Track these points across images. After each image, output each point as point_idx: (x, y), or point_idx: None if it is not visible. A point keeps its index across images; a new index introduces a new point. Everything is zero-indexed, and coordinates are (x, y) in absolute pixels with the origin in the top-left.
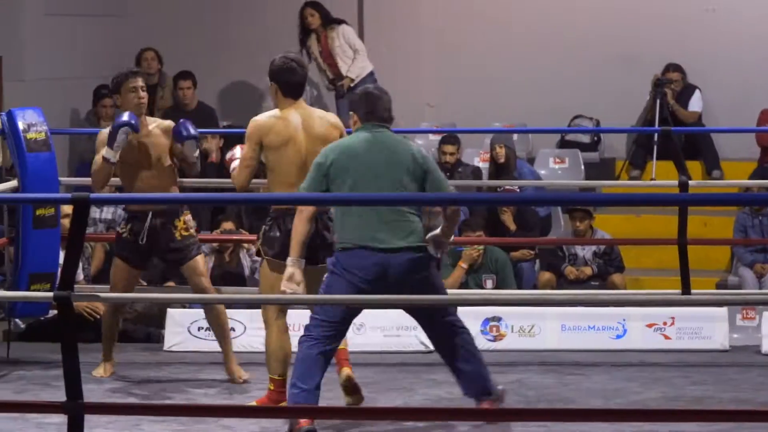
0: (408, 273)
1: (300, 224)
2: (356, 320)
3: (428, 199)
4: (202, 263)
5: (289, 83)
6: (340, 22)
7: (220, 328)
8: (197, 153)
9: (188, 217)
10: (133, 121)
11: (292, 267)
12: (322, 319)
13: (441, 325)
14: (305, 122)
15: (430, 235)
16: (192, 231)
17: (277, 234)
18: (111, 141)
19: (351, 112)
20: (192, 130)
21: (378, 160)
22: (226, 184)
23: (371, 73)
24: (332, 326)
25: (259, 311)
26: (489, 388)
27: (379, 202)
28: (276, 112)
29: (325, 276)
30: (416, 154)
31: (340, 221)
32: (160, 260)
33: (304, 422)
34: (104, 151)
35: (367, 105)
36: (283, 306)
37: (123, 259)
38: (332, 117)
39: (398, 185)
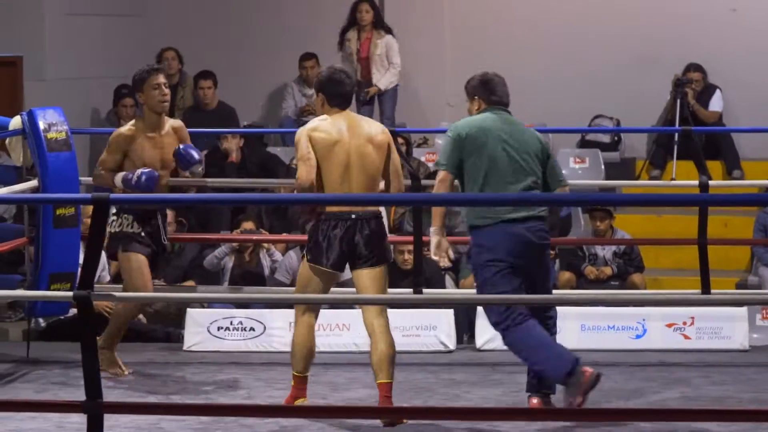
0: (542, 240)
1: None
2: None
3: (446, 199)
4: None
5: (336, 94)
6: (389, 30)
7: None
8: (202, 168)
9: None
10: (152, 186)
11: (436, 236)
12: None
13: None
14: (351, 125)
15: None
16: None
17: (320, 240)
18: (127, 185)
19: (474, 96)
20: (196, 156)
21: (510, 137)
22: (246, 184)
23: (396, 87)
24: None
25: (278, 311)
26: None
27: (383, 202)
28: (324, 116)
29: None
30: (540, 137)
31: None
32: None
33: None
34: (117, 179)
35: (490, 89)
36: (314, 305)
37: (141, 254)
38: (379, 124)
39: (530, 161)
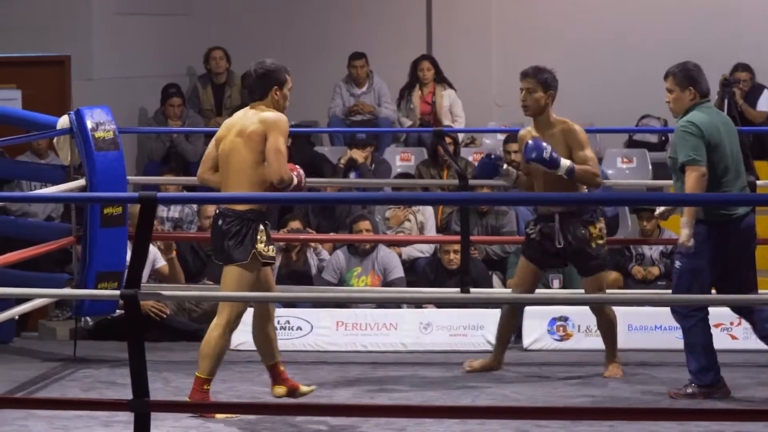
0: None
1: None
2: (422, 319)
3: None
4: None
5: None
6: (450, 84)
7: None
8: None
9: (602, 224)
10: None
11: (687, 228)
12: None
13: None
14: (234, 120)
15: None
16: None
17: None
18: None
19: (689, 87)
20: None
21: (730, 133)
22: None
23: None
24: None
25: (325, 311)
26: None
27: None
28: None
29: (678, 262)
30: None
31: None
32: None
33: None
34: None
35: (704, 81)
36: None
37: (529, 258)
38: (264, 114)
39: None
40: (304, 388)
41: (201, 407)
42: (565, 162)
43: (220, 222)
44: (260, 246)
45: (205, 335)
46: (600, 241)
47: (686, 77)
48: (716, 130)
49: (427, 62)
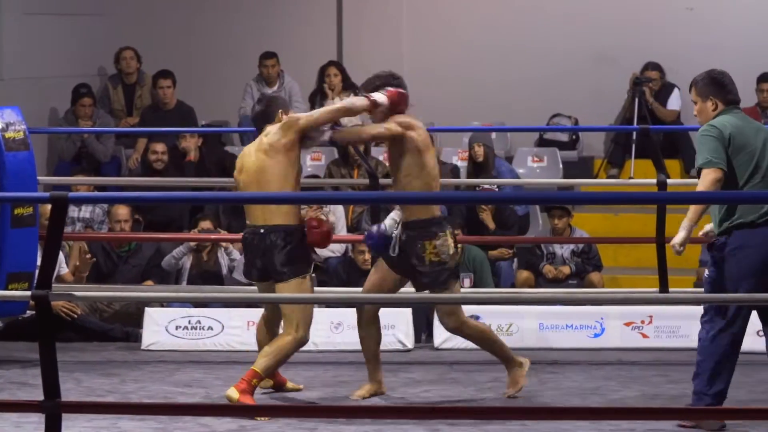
0: None
1: (711, 187)
2: (333, 319)
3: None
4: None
5: None
6: (356, 92)
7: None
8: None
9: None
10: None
11: (686, 231)
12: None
13: None
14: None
15: None
16: (443, 257)
17: None
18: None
19: (711, 96)
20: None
21: (759, 138)
22: (204, 183)
23: None
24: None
25: (236, 310)
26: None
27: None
28: None
29: (712, 265)
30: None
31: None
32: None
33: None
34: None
35: (729, 89)
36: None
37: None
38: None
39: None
40: (290, 385)
41: (111, 408)
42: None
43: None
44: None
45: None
46: (434, 259)
47: (707, 86)
48: (740, 133)
49: (334, 68)
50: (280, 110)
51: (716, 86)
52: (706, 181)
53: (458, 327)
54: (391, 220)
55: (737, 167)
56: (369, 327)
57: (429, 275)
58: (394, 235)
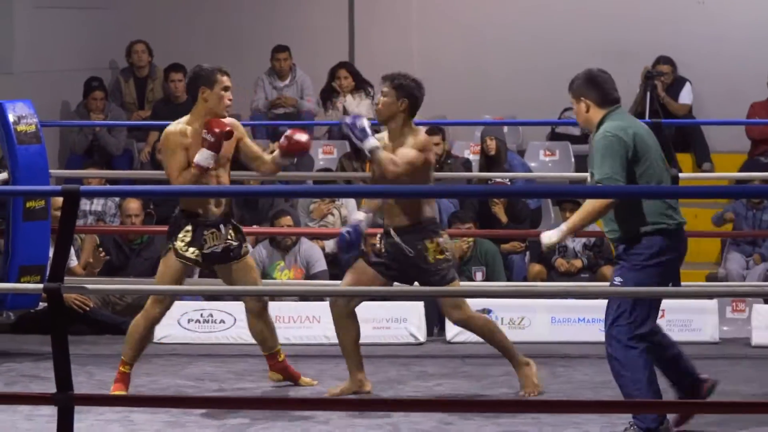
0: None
1: (602, 208)
2: None
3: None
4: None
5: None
6: (367, 92)
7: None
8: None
9: (443, 238)
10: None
11: (559, 240)
12: (639, 320)
13: None
14: None
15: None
16: (447, 255)
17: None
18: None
19: (582, 97)
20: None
21: (652, 138)
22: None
23: None
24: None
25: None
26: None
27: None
28: None
29: (622, 274)
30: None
31: (644, 203)
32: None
33: None
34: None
35: (604, 88)
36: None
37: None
38: None
39: (664, 164)
40: (305, 380)
41: (123, 401)
42: (372, 141)
43: None
44: (179, 243)
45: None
46: (439, 256)
47: (579, 86)
48: (641, 138)
49: (344, 70)
50: (202, 86)
51: (589, 86)
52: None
53: (464, 320)
54: (364, 220)
55: (641, 176)
56: (342, 324)
57: (437, 273)
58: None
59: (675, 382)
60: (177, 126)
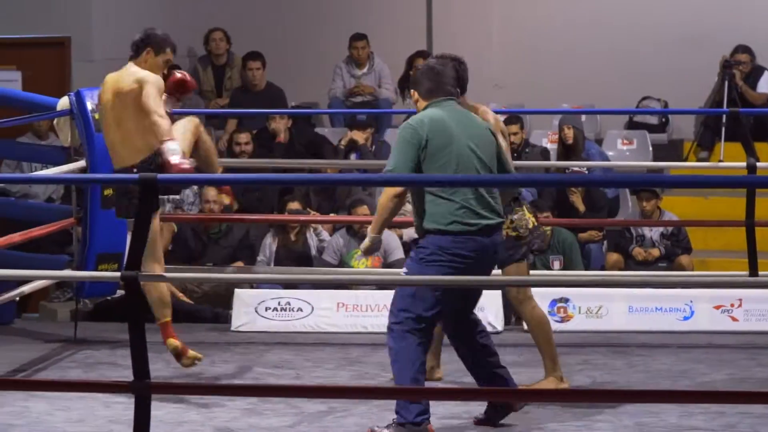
0: (498, 256)
1: (386, 201)
2: None
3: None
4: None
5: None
6: None
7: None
8: None
9: (518, 215)
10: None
11: (371, 242)
12: (418, 313)
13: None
14: None
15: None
16: (521, 232)
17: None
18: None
19: (412, 88)
20: None
21: (470, 136)
22: (294, 164)
23: None
24: (429, 319)
25: (326, 292)
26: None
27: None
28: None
29: (407, 265)
30: (489, 127)
31: (432, 202)
32: None
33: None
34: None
35: (432, 82)
36: None
37: None
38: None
39: (491, 158)
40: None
41: (200, 389)
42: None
43: None
44: None
45: None
46: (512, 234)
47: (413, 78)
48: (441, 131)
49: (422, 59)
50: (148, 48)
51: (421, 78)
52: (386, 193)
53: (521, 301)
54: None
55: (437, 170)
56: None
57: (507, 250)
58: None
59: (478, 377)
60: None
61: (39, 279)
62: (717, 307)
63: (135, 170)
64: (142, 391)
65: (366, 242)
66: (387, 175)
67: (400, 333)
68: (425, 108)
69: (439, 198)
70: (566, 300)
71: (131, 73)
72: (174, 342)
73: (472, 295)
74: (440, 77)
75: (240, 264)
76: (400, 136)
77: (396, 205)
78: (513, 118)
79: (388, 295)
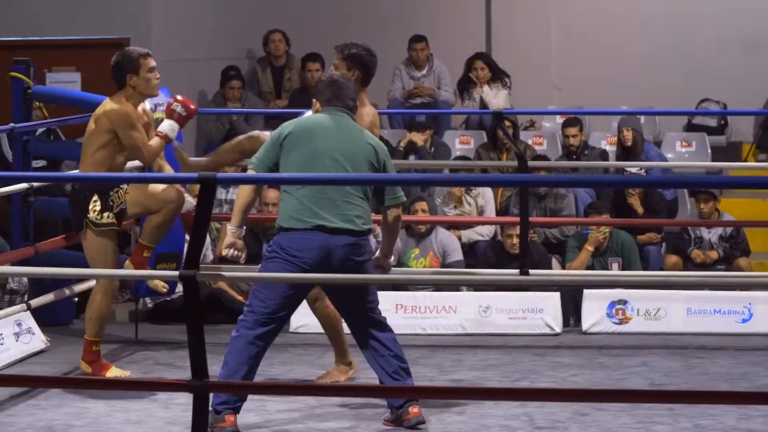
0: (348, 256)
1: (243, 192)
2: (482, 302)
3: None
4: None
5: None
6: (504, 83)
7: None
8: None
9: None
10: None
11: (233, 236)
12: (257, 310)
13: (365, 319)
14: None
15: (373, 258)
16: None
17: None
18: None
19: (313, 98)
20: None
21: (335, 143)
22: None
23: None
24: (268, 317)
25: (382, 293)
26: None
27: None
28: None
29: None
30: (377, 147)
31: (283, 199)
32: None
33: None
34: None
35: (331, 91)
36: None
37: None
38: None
39: (355, 169)
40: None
41: (258, 389)
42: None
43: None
44: (92, 214)
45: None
46: None
47: (315, 92)
48: (303, 134)
49: (480, 61)
50: (128, 74)
51: (326, 89)
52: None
53: (315, 299)
54: None
55: (290, 168)
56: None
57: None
58: None
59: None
60: (122, 104)
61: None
62: None
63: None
64: (201, 390)
65: (228, 238)
66: (496, 175)
67: (238, 327)
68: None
69: (286, 194)
70: (625, 302)
71: (102, 106)
72: (86, 367)
73: (337, 293)
74: (341, 90)
75: None
76: (271, 134)
77: (249, 195)
78: (572, 119)
79: (447, 296)
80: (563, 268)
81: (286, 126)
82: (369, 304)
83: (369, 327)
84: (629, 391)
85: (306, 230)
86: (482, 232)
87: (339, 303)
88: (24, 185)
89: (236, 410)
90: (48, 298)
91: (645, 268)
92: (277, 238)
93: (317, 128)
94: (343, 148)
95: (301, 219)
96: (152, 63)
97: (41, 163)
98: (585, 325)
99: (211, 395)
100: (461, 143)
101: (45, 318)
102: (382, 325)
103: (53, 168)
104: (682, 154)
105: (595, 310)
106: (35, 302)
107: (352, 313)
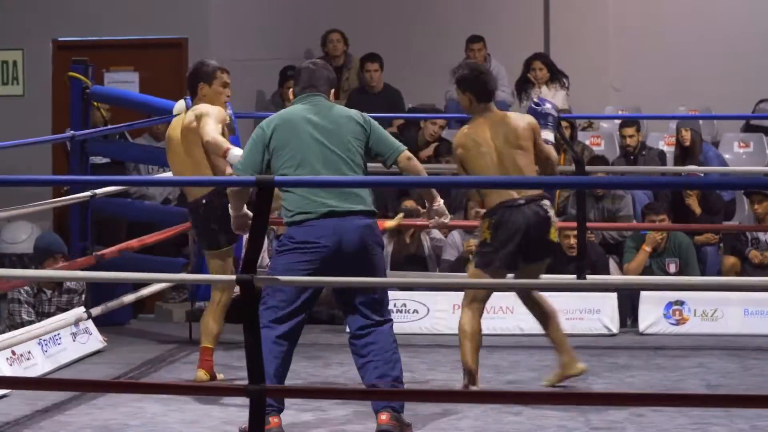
0: (362, 238)
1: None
2: None
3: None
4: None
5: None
6: (562, 83)
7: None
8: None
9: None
10: None
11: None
12: (274, 305)
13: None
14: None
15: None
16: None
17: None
18: None
19: (291, 89)
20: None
21: (318, 127)
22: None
23: None
24: (288, 310)
25: (442, 294)
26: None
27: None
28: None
29: (271, 259)
30: (354, 115)
31: (285, 198)
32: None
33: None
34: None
35: (301, 80)
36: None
37: None
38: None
39: (344, 147)
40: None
41: (315, 393)
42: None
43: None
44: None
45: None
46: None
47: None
48: (287, 127)
49: (539, 62)
50: (201, 83)
51: (296, 79)
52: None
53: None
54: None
55: (283, 166)
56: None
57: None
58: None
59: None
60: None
61: (156, 282)
62: None
63: (204, 201)
64: (258, 394)
65: (240, 220)
66: (553, 177)
67: (263, 324)
68: (293, 104)
69: (285, 191)
70: (682, 303)
71: (193, 109)
72: (205, 375)
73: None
74: (312, 75)
75: None
76: (250, 137)
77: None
78: (629, 120)
79: (504, 297)
80: (621, 268)
81: (268, 124)
82: (374, 296)
83: (367, 324)
84: (685, 393)
85: (317, 218)
86: None
87: (339, 292)
88: (87, 193)
89: (279, 411)
90: (109, 305)
91: (702, 269)
92: (289, 231)
93: (295, 119)
94: (322, 131)
95: (309, 210)
96: (227, 79)
97: (104, 160)
98: (642, 326)
99: None
100: None
101: (102, 318)
102: (380, 325)
103: (118, 168)
104: (740, 155)
105: (651, 311)
106: (95, 311)
107: (350, 306)
